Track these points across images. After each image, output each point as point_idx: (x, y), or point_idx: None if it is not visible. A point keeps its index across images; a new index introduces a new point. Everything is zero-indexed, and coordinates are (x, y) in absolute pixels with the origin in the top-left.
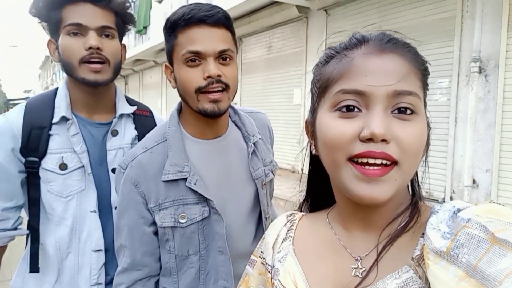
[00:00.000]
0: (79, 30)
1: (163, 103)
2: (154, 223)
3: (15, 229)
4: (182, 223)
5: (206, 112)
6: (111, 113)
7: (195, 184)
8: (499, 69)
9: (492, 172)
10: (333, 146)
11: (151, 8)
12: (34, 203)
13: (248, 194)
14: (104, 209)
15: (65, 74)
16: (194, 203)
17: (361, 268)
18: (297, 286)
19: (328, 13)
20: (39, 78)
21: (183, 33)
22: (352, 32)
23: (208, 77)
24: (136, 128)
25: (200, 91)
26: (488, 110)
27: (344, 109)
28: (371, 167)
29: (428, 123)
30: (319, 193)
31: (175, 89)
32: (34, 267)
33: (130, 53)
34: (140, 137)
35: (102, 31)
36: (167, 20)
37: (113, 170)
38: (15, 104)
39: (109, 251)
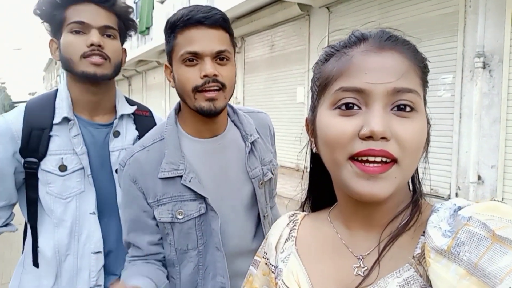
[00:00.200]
0: (82, 28)
1: (166, 103)
2: (155, 217)
3: (6, 225)
4: (180, 219)
5: (202, 110)
6: (111, 114)
7: (190, 181)
8: (503, 64)
9: (497, 168)
10: (333, 144)
11: (153, 8)
12: (32, 204)
13: (245, 193)
14: (105, 210)
15: (65, 76)
16: (191, 200)
17: (363, 267)
18: (300, 286)
19: (330, 11)
20: (44, 80)
21: (182, 34)
22: (353, 29)
23: (205, 76)
24: (137, 129)
25: (197, 90)
26: (493, 106)
27: (343, 107)
28: (371, 164)
29: (428, 120)
30: (321, 191)
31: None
32: (35, 262)
33: (133, 54)
34: (141, 137)
35: (104, 31)
36: (167, 21)
37: (117, 171)
38: None
39: (112, 252)
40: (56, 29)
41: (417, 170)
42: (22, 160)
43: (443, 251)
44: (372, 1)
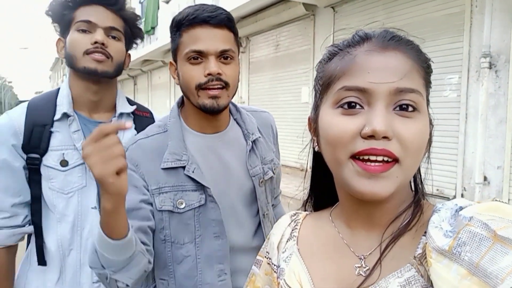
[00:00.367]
0: (88, 27)
1: (171, 103)
2: (151, 204)
3: (24, 225)
4: (180, 208)
5: (205, 108)
6: (111, 112)
7: (193, 172)
8: (509, 64)
9: (503, 169)
10: (335, 143)
11: (158, 8)
12: (36, 200)
13: (245, 190)
14: None
15: (68, 74)
16: (193, 190)
17: (365, 267)
18: (302, 285)
19: (335, 10)
20: (50, 79)
21: (187, 33)
22: (356, 29)
23: (209, 74)
24: (136, 128)
25: (200, 87)
26: (499, 106)
27: (346, 106)
28: (373, 164)
29: (430, 121)
30: (323, 190)
31: None
32: (41, 261)
33: (138, 54)
34: None
35: (110, 32)
36: (173, 20)
37: None
38: None
39: None
40: (65, 29)
41: (419, 170)
42: (25, 156)
43: (444, 251)
44: (377, 1)
